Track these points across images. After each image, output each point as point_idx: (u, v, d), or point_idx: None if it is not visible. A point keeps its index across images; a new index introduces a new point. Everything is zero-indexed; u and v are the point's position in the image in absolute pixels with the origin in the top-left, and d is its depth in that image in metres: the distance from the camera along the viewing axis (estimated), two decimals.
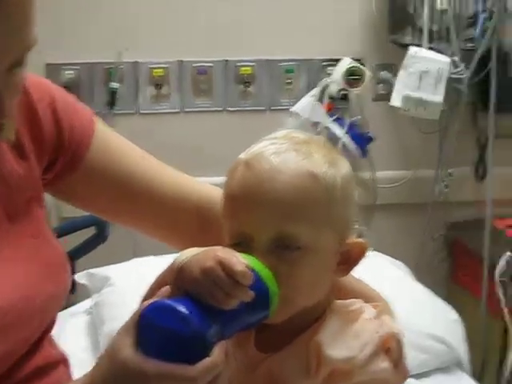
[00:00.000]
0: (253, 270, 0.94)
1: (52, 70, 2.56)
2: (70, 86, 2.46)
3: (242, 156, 1.06)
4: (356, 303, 1.08)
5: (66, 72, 2.59)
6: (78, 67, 2.60)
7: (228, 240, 1.04)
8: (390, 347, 1.04)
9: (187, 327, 0.88)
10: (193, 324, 0.88)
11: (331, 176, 1.03)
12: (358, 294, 1.14)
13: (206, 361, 0.89)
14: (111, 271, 2.12)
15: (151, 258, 2.08)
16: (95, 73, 2.62)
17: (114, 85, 2.60)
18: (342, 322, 1.05)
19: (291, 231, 0.99)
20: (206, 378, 0.89)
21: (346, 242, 1.05)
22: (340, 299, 1.10)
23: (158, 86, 2.65)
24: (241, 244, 1.01)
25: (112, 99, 2.61)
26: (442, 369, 2.01)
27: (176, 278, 0.95)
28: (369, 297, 1.14)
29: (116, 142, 1.23)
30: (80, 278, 2.15)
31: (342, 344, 1.01)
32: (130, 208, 1.24)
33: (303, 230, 1.00)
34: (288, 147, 1.04)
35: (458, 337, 2.05)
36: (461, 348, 2.03)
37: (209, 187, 1.30)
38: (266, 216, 1.00)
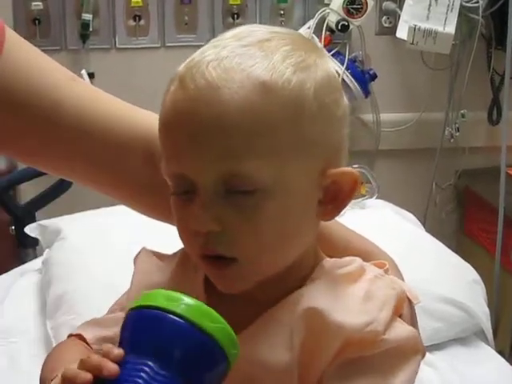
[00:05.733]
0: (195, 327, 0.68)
1: (19, 2, 2.41)
2: (38, 19, 2.40)
3: (179, 68, 0.80)
4: (354, 262, 0.84)
5: (34, 3, 2.42)
6: None
7: (169, 184, 0.80)
8: (402, 313, 0.85)
9: None
10: None
11: (297, 83, 0.77)
12: (354, 250, 0.91)
13: None
14: (63, 223, 1.85)
15: (108, 209, 1.80)
16: (65, 3, 2.44)
17: (87, 16, 2.42)
18: (339, 285, 0.80)
19: (239, 170, 0.75)
20: None
21: (329, 173, 0.80)
22: (331, 257, 0.85)
23: (136, 17, 2.49)
24: (187, 191, 0.78)
25: (85, 33, 2.44)
26: (459, 339, 1.78)
27: None
28: (369, 253, 0.93)
29: (35, 59, 0.92)
30: (31, 230, 1.89)
31: (351, 307, 0.79)
32: (59, 149, 0.93)
33: (256, 165, 0.75)
34: (234, 50, 0.78)
35: (479, 301, 1.82)
36: (482, 314, 1.80)
37: None
38: (203, 152, 0.75)
